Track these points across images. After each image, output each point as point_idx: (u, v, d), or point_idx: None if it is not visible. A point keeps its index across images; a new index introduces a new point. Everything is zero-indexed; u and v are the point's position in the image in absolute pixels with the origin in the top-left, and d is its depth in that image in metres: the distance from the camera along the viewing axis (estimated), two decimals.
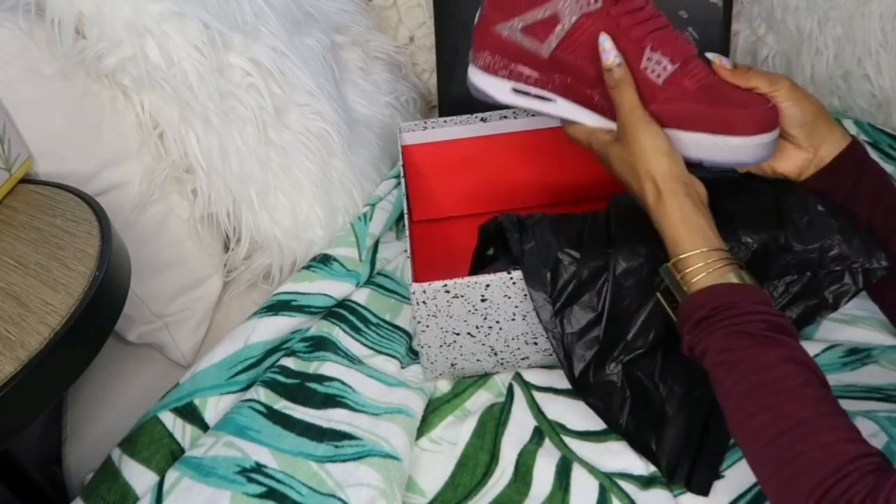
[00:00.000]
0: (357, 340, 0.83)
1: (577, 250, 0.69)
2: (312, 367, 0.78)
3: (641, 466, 0.69)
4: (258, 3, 0.88)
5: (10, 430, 0.53)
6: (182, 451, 0.72)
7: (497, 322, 0.74)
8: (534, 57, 0.69)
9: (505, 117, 0.93)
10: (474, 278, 0.70)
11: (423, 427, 0.74)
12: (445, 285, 0.70)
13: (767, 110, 0.65)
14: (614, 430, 0.70)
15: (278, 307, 0.85)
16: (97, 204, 0.69)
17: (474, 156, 0.95)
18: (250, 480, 0.67)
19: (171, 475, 0.68)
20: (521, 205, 0.93)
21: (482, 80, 0.72)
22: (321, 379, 0.77)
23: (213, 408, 0.75)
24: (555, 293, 0.69)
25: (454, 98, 1.22)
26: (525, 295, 0.71)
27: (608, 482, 0.68)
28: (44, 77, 0.76)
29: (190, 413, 0.74)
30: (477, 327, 0.74)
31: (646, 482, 0.68)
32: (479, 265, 0.79)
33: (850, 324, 0.79)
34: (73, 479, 0.80)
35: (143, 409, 0.77)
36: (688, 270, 0.60)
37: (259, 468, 0.68)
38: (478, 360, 0.77)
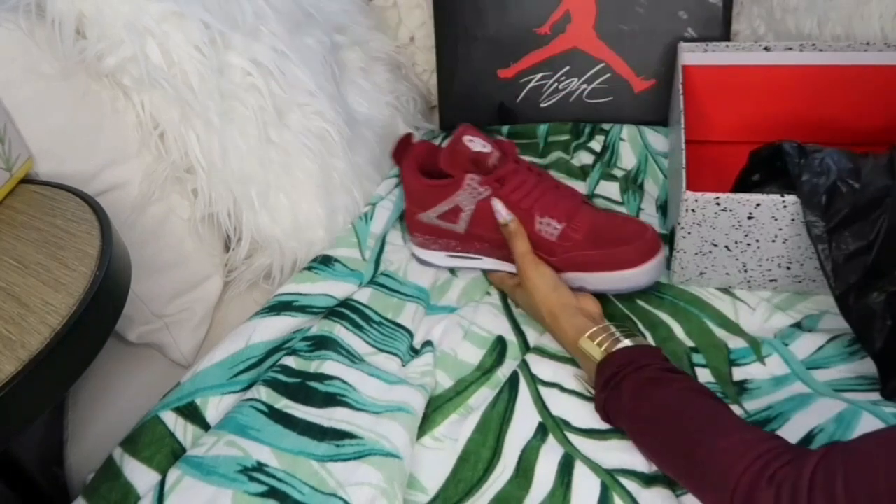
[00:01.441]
0: (359, 337, 0.83)
1: (857, 182, 0.72)
2: (313, 367, 0.78)
3: (643, 464, 0.69)
4: (258, 3, 0.88)
5: (11, 430, 0.53)
6: (183, 450, 0.72)
7: (757, 241, 0.77)
8: (454, 233, 0.89)
9: (790, 49, 0.94)
10: (746, 195, 0.74)
11: (426, 425, 0.74)
12: (717, 198, 0.75)
13: (646, 241, 0.79)
14: (866, 349, 0.72)
15: (280, 308, 0.85)
16: (97, 204, 0.69)
17: (754, 84, 0.95)
18: (252, 479, 0.67)
19: (173, 474, 0.68)
20: (795, 139, 0.94)
21: (422, 254, 0.93)
22: (322, 378, 0.77)
23: (215, 407, 0.75)
24: (828, 216, 0.72)
25: (454, 98, 1.22)
26: (792, 220, 0.75)
27: (610, 480, 0.68)
28: (44, 77, 0.76)
29: (191, 413, 0.74)
30: (736, 242, 0.79)
31: (648, 480, 0.67)
32: (741, 189, 0.83)
33: None
34: (74, 479, 0.80)
35: (144, 408, 0.77)
36: (595, 343, 0.73)
37: (260, 467, 0.68)
38: (727, 274, 0.82)
